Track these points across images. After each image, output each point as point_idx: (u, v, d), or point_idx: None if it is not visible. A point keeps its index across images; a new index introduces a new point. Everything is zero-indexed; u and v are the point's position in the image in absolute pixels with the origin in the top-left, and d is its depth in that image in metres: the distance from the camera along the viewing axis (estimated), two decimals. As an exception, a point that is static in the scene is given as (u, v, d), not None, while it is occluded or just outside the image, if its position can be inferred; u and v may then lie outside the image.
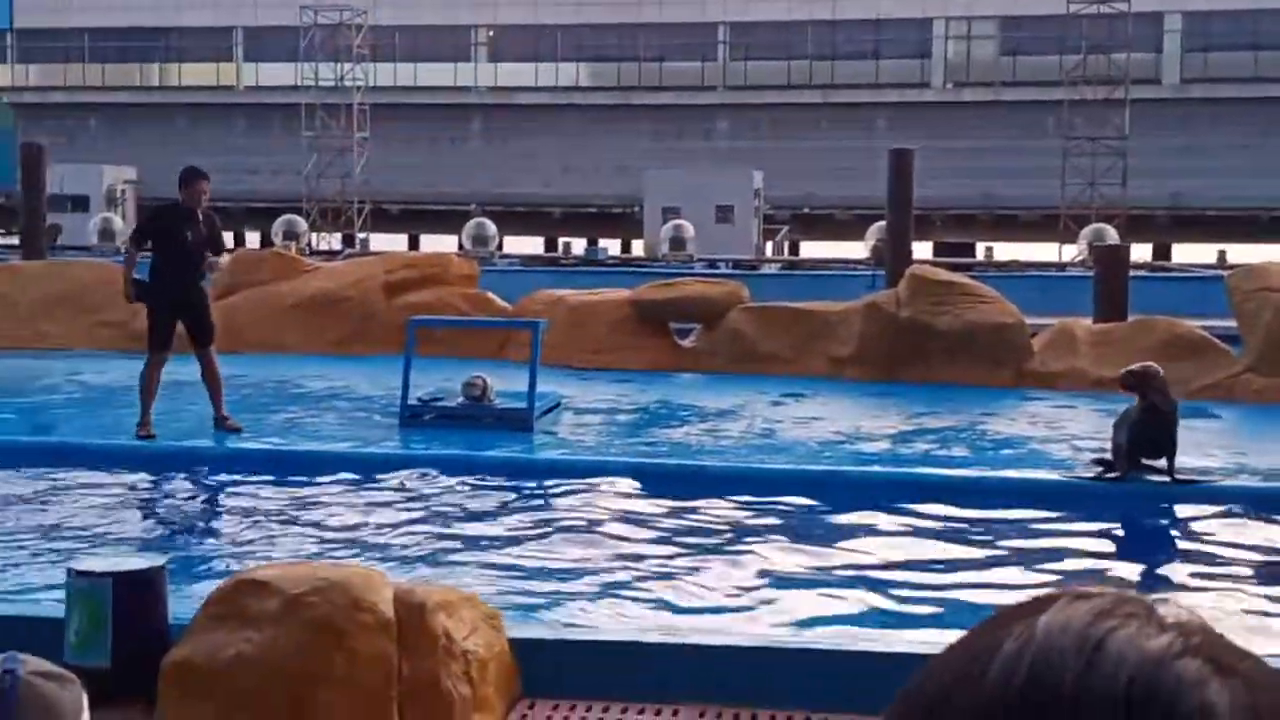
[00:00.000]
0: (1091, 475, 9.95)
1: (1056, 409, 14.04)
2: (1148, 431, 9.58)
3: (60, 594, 5.59)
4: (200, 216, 11.45)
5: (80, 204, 38.72)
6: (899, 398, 14.55)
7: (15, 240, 32.24)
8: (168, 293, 11.21)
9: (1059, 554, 8.46)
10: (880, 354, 16.01)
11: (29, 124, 50.97)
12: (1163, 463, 9.69)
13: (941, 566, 8.12)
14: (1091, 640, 0.71)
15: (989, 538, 8.80)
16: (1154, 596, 0.78)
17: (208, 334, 11.58)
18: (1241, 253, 35.77)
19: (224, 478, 10.22)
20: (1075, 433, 12.47)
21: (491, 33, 51.93)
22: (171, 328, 11.34)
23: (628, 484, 10.03)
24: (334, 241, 42.20)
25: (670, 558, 8.19)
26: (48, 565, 7.68)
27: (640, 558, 8.19)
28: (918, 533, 8.90)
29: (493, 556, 8.18)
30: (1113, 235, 33.66)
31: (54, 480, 10.12)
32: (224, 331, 17.92)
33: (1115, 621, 0.72)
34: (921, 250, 33.56)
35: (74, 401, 13.61)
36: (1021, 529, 9.05)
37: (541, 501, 9.81)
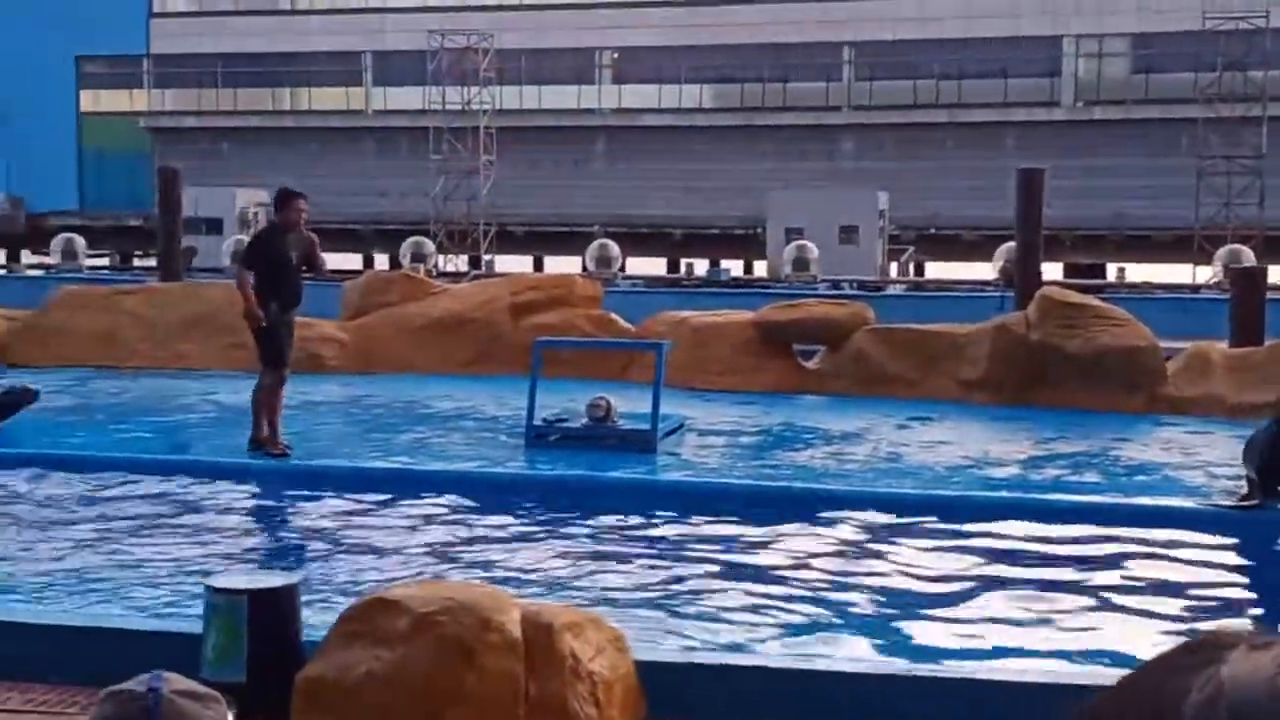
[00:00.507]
0: (1230, 503, 9.70)
1: (1191, 435, 13.71)
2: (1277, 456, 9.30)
3: (198, 610, 5.71)
4: (299, 236, 11.56)
5: (214, 226, 39.61)
6: (1028, 422, 14.32)
7: (152, 262, 33.11)
8: (278, 312, 11.35)
9: (1199, 584, 8.25)
10: (1009, 377, 15.77)
11: (164, 148, 52.44)
12: None
13: (1078, 595, 7.96)
14: None
15: (1125, 567, 8.61)
16: None
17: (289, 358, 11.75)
18: (1385, 274, 34.69)
19: (354, 496, 10.37)
20: (1210, 460, 12.16)
21: (616, 55, 52.26)
22: (287, 346, 11.49)
23: (751, 506, 9.99)
24: (460, 263, 42.71)
25: (796, 581, 8.14)
26: (185, 581, 7.85)
27: (765, 580, 8.14)
28: (1051, 560, 8.74)
29: (617, 578, 8.19)
30: (1249, 257, 32.82)
31: (190, 497, 10.36)
32: (354, 352, 18.31)
33: None
34: (1051, 271, 33.02)
35: (209, 420, 13.92)
36: (1159, 557, 8.84)
37: (665, 523, 9.80)
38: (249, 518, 10.15)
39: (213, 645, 5.39)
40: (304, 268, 11.59)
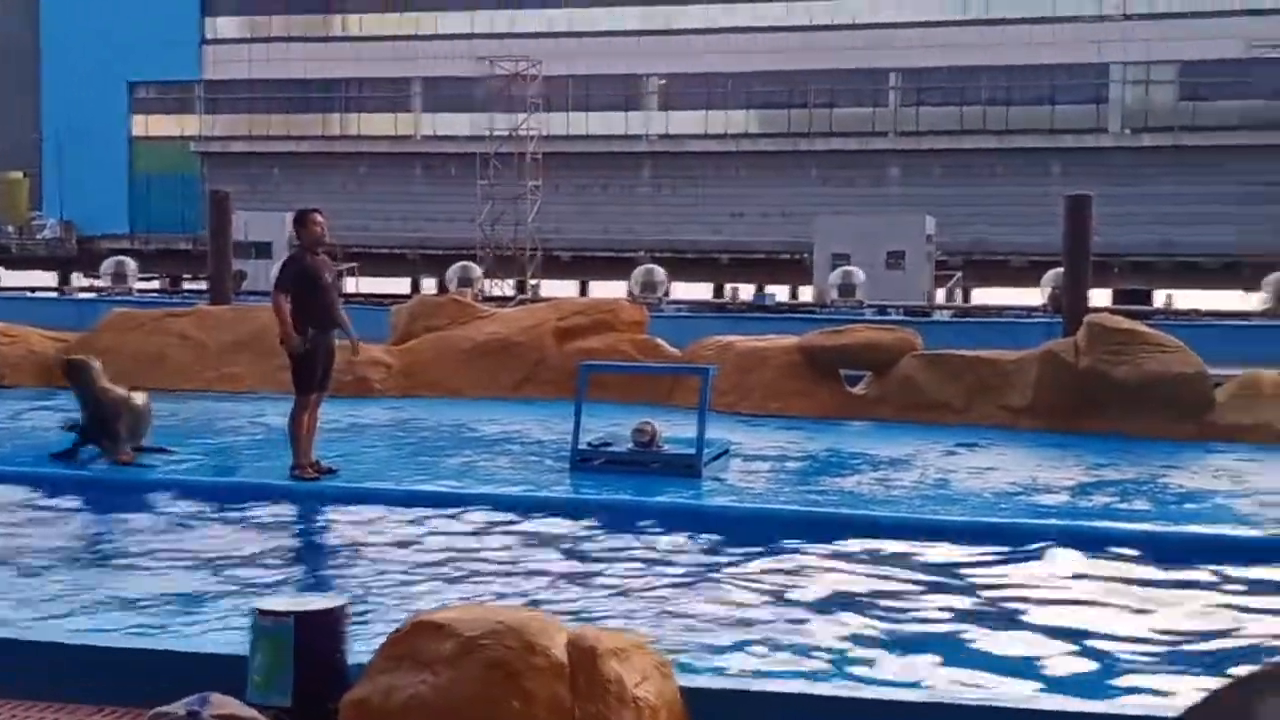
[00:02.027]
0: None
1: (1241, 462, 13.57)
2: None
3: (244, 632, 5.73)
4: (324, 255, 11.59)
5: (263, 250, 39.96)
6: (1077, 449, 14.22)
7: (202, 285, 33.40)
8: (315, 336, 11.38)
9: (1259, 612, 8.14)
10: (1057, 404, 15.67)
11: (214, 172, 52.97)
12: None
13: (1137, 623, 7.88)
14: None
15: (1183, 594, 8.52)
16: None
17: (330, 380, 11.76)
18: None
19: (401, 519, 10.40)
20: (1261, 487, 12.03)
21: (662, 81, 52.40)
22: (320, 370, 11.52)
23: (798, 532, 9.96)
24: (507, 288, 42.87)
25: (843, 608, 8.09)
26: (232, 603, 7.89)
27: (813, 607, 8.10)
28: (1098, 588, 8.66)
29: (662, 603, 8.17)
30: (1300, 283, 32.52)
31: (238, 519, 10.42)
32: (403, 375, 18.40)
33: None
34: (1099, 298, 32.82)
35: (257, 443, 14.01)
36: (1214, 586, 8.74)
37: (710, 548, 9.78)
38: (296, 540, 10.20)
39: (259, 668, 5.40)
40: (337, 290, 11.62)
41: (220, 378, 18.41)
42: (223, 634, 7.13)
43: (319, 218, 11.63)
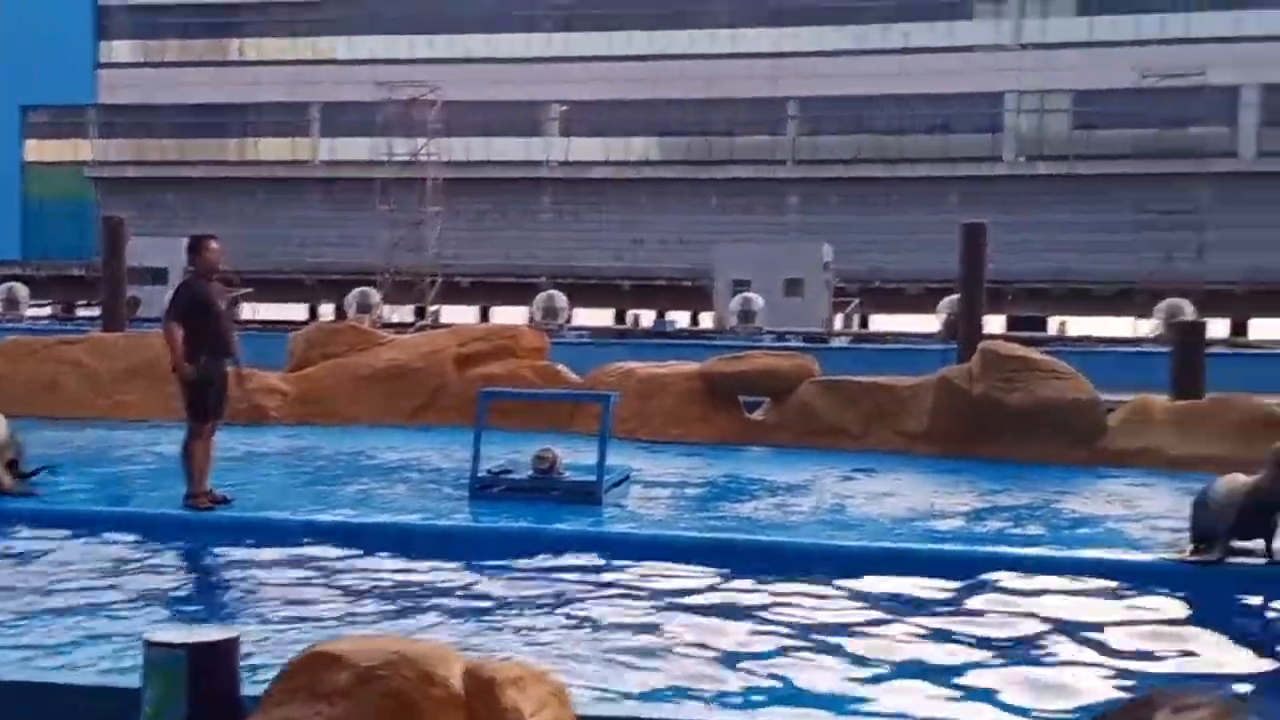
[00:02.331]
0: (1182, 557, 9.69)
1: (1132, 487, 13.85)
2: (1261, 508, 9.27)
3: (135, 665, 5.63)
4: (218, 282, 11.47)
5: (159, 276, 39.37)
6: (971, 474, 14.42)
7: (96, 312, 32.83)
8: (208, 363, 11.24)
9: (1150, 639, 8.28)
10: (952, 429, 15.90)
11: (108, 198, 52.16)
12: (1259, 544, 9.45)
13: (1019, 649, 7.99)
14: None
15: (1071, 619, 8.64)
16: (1234, 700, 0.78)
17: (225, 408, 11.62)
18: (1321, 328, 35.28)
19: (297, 548, 10.28)
20: (1152, 512, 12.28)
21: (564, 108, 52.53)
22: (213, 398, 11.35)
23: (697, 558, 9.98)
24: (406, 314, 42.63)
25: (740, 634, 8.12)
26: (124, 635, 7.75)
27: (709, 634, 8.12)
28: (992, 616, 8.78)
29: (561, 631, 8.15)
30: (1189, 310, 33.33)
31: (130, 550, 10.23)
32: (300, 402, 18.21)
33: None
34: (994, 324, 33.37)
35: (151, 472, 13.78)
36: (1103, 612, 8.87)
37: (610, 575, 9.78)
38: (189, 571, 10.04)
39: (150, 701, 5.31)
40: (232, 318, 11.50)
41: (114, 405, 18.11)
42: (114, 667, 7.00)
43: (214, 244, 11.51)
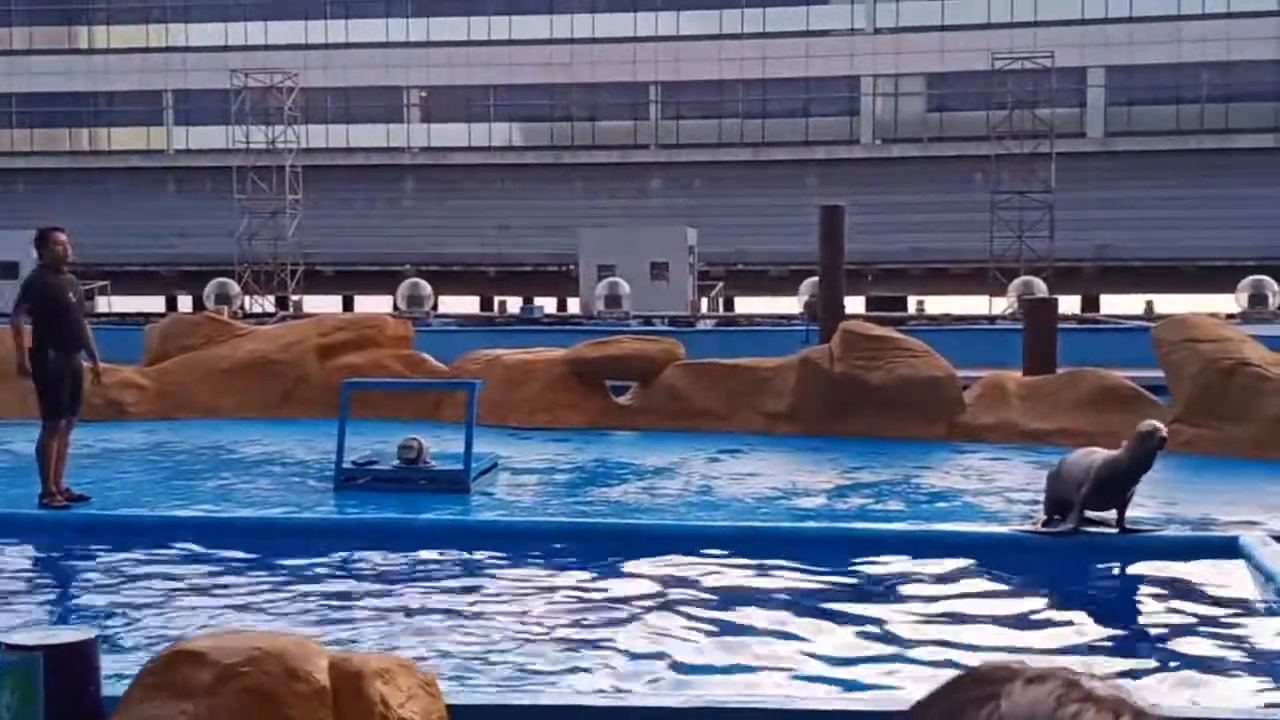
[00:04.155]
0: (1035, 528, 9.93)
1: (988, 461, 14.19)
2: (1119, 481, 9.52)
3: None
4: (69, 274, 11.23)
5: (9, 271, 38.22)
6: (833, 452, 14.65)
7: (-58, 307, 31.77)
8: (60, 358, 11.00)
9: (1004, 609, 8.50)
10: (814, 409, 16.13)
11: (-45, 190, 50.49)
12: (1110, 514, 9.73)
13: (880, 624, 8.15)
14: None
15: (929, 593, 8.84)
16: (1090, 670, 0.83)
17: (80, 404, 11.39)
18: (1167, 303, 36.38)
19: (156, 546, 10.10)
20: (1008, 485, 12.60)
21: (424, 94, 52.10)
22: (66, 394, 11.11)
23: (564, 545, 10.02)
24: (267, 304, 41.98)
25: (611, 619, 8.18)
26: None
27: (580, 619, 8.17)
28: (856, 590, 8.95)
29: (429, 621, 8.14)
30: (1041, 287, 34.15)
31: (-18, 552, 9.98)
32: (157, 396, 17.86)
33: (1075, 707, 0.79)
34: (854, 305, 33.86)
35: (4, 470, 13.44)
36: (962, 584, 9.08)
37: (478, 564, 9.77)
38: (44, 572, 9.82)
39: (6, 706, 5.21)
40: (83, 310, 11.26)
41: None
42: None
43: (61, 236, 11.24)
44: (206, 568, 9.55)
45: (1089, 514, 9.77)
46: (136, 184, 51.93)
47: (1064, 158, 43.07)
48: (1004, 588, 9.00)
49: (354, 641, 7.40)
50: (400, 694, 5.34)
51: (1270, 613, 8.20)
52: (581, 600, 8.63)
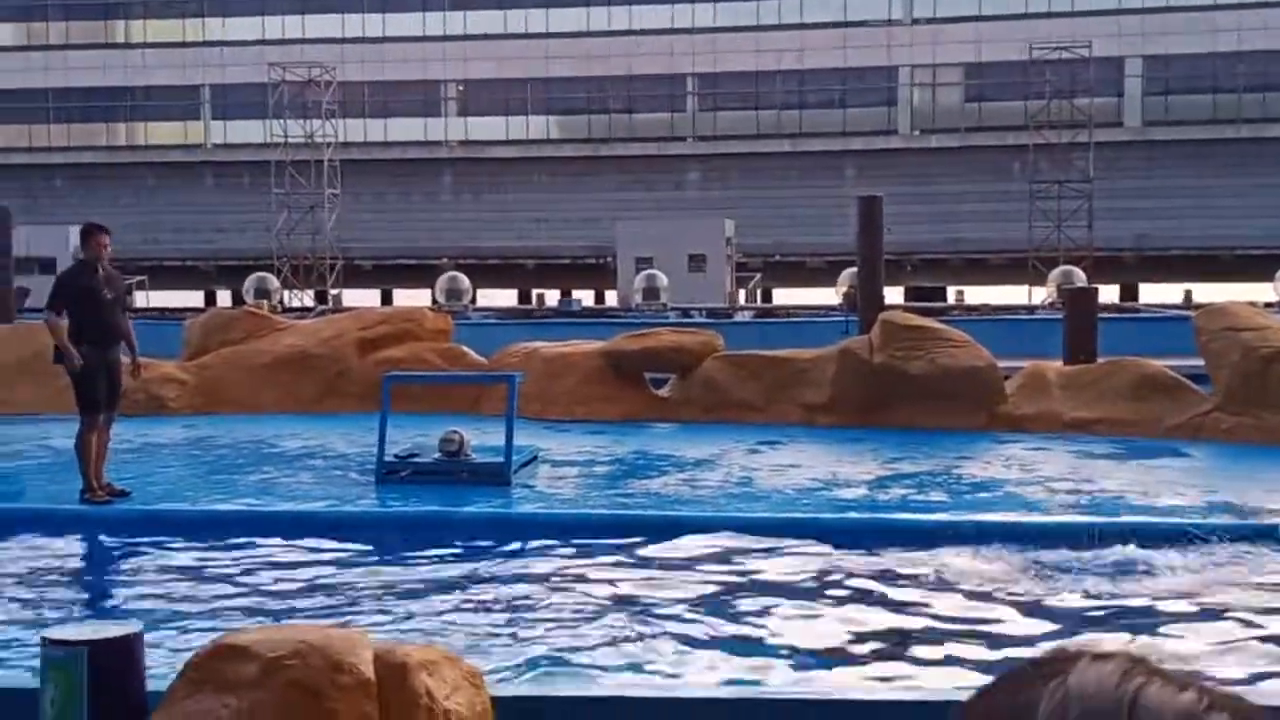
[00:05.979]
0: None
1: (1030, 451, 14.07)
2: None
3: (34, 663, 5.52)
4: (106, 272, 11.26)
5: (47, 266, 38.44)
6: (873, 443, 14.57)
7: (-16, 303, 31.99)
8: (94, 353, 11.03)
9: (1050, 597, 8.44)
10: (854, 400, 16.04)
11: (-5, 186, 50.85)
12: None
13: (923, 612, 8.09)
14: (1126, 699, 0.79)
15: (981, 583, 8.78)
16: (1151, 647, 0.83)
17: (119, 399, 11.42)
18: (1206, 292, 36.05)
19: (199, 540, 10.13)
20: (1049, 475, 12.49)
21: (461, 87, 52.14)
22: (103, 388, 11.14)
23: (607, 536, 9.99)
24: (307, 299, 42.12)
25: (656, 610, 8.14)
26: (22, 633, 7.59)
27: (624, 611, 8.14)
28: (901, 579, 8.89)
29: (473, 614, 8.13)
30: (1080, 277, 33.89)
31: (26, 547, 10.03)
32: (197, 391, 17.92)
33: (1141, 679, 0.80)
34: (893, 295, 33.69)
35: (43, 467, 13.50)
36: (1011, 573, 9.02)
37: (520, 556, 9.76)
38: (88, 567, 9.87)
39: (51, 700, 5.21)
40: (120, 306, 11.30)
41: (2, 400, 17.68)
42: (10, 668, 6.86)
43: (104, 239, 11.24)
44: (248, 561, 9.57)
45: None
46: (174, 179, 52.17)
47: (1102, 147, 42.75)
48: (1049, 574, 8.93)
49: (397, 634, 7.39)
50: (445, 686, 5.32)
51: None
52: (623, 592, 8.60)
